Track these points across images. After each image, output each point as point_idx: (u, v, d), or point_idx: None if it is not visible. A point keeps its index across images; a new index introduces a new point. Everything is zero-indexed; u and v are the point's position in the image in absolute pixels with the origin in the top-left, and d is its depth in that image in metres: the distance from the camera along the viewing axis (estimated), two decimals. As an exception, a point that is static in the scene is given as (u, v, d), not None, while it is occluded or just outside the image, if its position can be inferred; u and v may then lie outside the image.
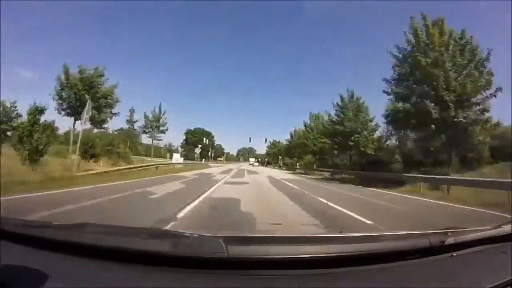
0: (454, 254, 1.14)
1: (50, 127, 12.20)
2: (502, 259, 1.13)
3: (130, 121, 50.22)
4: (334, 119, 25.02)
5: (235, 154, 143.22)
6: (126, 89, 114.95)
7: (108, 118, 20.21)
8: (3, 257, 1.02)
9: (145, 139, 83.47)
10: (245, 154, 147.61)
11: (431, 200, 9.57)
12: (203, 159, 60.56)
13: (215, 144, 68.14)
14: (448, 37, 13.03)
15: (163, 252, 1.00)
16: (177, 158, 47.50)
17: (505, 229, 1.32)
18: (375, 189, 13.10)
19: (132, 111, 48.94)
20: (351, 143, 23.51)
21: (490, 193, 9.09)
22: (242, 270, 0.96)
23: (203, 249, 1.00)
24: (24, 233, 1.20)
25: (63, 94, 18.25)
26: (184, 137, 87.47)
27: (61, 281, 0.91)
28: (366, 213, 6.08)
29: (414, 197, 10.55)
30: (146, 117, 41.03)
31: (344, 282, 0.95)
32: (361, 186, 14.68)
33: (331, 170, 28.79)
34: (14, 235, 1.19)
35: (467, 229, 1.34)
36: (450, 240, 1.15)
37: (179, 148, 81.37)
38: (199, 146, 60.56)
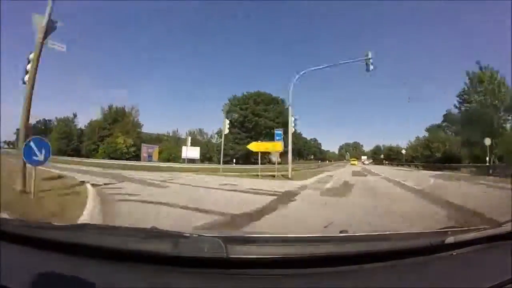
0: (454, 254, 1.23)
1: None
2: (502, 258, 1.21)
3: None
4: None
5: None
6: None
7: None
8: (3, 258, 1.11)
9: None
10: (347, 150, 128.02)
11: None
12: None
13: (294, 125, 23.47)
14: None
15: (163, 252, 1.06)
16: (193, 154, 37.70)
17: (505, 228, 1.41)
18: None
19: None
20: None
21: None
22: (242, 270, 1.02)
23: (203, 249, 1.06)
24: (24, 234, 1.29)
25: None
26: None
27: (61, 281, 0.99)
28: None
29: None
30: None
31: (344, 281, 1.02)
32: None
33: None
34: (14, 235, 1.28)
35: (467, 228, 1.45)
36: (450, 239, 1.24)
37: (214, 137, 54.21)
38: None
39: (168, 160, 41.12)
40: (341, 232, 1.56)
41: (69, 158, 33.49)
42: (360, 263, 1.09)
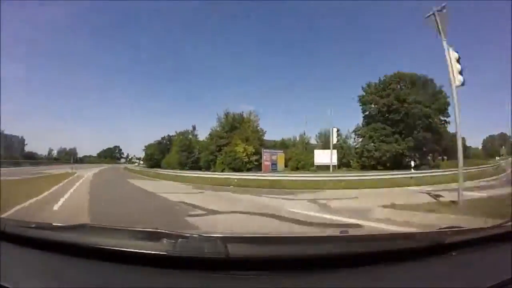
0: (454, 254, 1.30)
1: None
2: (502, 258, 1.27)
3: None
4: None
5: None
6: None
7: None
8: (3, 258, 1.16)
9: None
10: (492, 144, 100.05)
11: None
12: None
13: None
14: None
15: (163, 253, 1.10)
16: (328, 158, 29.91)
17: (505, 228, 1.45)
18: None
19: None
20: None
21: None
22: (242, 270, 1.07)
23: (203, 249, 1.11)
24: (24, 235, 1.34)
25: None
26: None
27: (60, 281, 1.01)
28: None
29: None
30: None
31: (344, 282, 1.07)
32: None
33: None
34: (14, 236, 1.33)
35: (467, 229, 1.49)
36: (450, 240, 1.32)
37: (350, 136, 45.53)
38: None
39: (297, 168, 32.96)
40: (341, 232, 1.64)
41: (185, 173, 28.02)
42: (360, 263, 1.15)
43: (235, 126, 44.28)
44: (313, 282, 1.05)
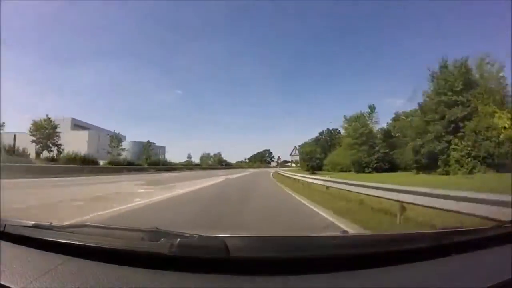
0: (455, 254, 1.35)
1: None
2: (502, 259, 1.26)
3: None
4: None
5: None
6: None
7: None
8: (3, 258, 1.22)
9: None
10: None
11: None
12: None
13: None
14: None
15: (164, 253, 1.15)
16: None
17: (506, 229, 1.39)
18: None
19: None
20: None
21: None
22: (242, 270, 1.13)
23: (204, 249, 1.18)
24: (24, 235, 1.42)
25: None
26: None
27: (61, 281, 1.06)
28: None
29: None
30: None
31: (345, 282, 1.14)
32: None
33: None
34: (15, 236, 1.42)
35: (467, 229, 1.45)
36: (450, 240, 1.36)
37: None
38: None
39: None
40: (341, 233, 1.65)
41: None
42: (361, 263, 1.21)
43: (472, 81, 23.21)
44: (314, 282, 1.12)
